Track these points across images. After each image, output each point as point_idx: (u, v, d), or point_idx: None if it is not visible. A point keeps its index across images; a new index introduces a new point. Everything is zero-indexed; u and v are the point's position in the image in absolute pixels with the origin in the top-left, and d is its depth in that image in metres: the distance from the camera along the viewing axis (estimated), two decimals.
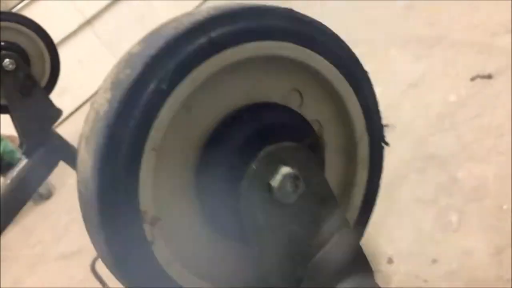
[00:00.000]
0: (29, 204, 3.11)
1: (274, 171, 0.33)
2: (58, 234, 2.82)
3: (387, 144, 0.43)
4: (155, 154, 0.31)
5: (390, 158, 1.81)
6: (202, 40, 0.33)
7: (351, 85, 0.40)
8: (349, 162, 0.42)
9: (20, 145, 0.86)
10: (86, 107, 4.03)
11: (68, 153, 0.93)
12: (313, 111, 0.39)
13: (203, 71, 0.33)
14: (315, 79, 0.39)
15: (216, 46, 0.33)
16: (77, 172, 0.34)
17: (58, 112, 0.88)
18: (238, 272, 0.35)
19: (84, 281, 2.22)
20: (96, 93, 0.38)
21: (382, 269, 1.51)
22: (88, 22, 4.63)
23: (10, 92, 0.79)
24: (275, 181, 0.32)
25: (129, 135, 0.31)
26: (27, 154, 0.84)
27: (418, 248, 1.51)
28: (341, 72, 0.39)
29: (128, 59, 0.34)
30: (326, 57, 0.38)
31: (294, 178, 0.34)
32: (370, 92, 0.42)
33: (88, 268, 2.27)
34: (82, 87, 4.33)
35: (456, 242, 1.48)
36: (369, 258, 1.05)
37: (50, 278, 2.37)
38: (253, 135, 0.33)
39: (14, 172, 0.85)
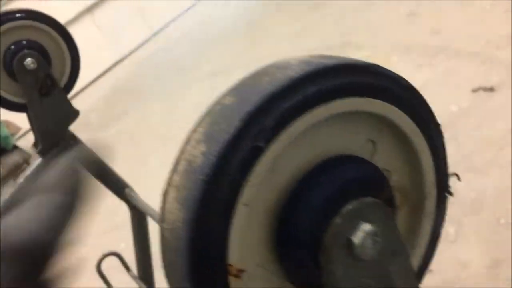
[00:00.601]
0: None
1: (355, 227, 0.33)
2: None
3: (452, 194, 0.44)
4: (245, 209, 0.31)
5: None
6: (298, 97, 0.33)
7: (424, 136, 0.40)
8: (415, 214, 0.42)
9: (35, 144, 0.86)
10: (82, 96, 4.00)
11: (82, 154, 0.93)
12: (385, 161, 0.39)
13: (295, 129, 0.33)
14: (390, 129, 0.39)
15: (310, 104, 0.33)
16: (162, 217, 0.34)
17: (75, 112, 0.88)
18: None
19: (79, 274, 2.21)
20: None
21: None
22: (88, 10, 4.60)
23: (30, 91, 0.79)
24: (357, 238, 0.33)
25: (225, 190, 0.31)
26: (42, 153, 0.84)
27: None
28: (416, 124, 0.40)
29: (221, 112, 0.34)
30: (404, 110, 0.39)
31: (374, 234, 0.34)
32: (441, 144, 0.42)
33: (83, 261, 2.27)
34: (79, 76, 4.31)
35: (453, 253, 1.50)
36: None
37: None
38: (336, 191, 0.34)
39: (28, 171, 0.85)
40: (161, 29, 4.65)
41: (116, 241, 2.27)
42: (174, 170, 0.35)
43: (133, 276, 1.01)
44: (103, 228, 2.41)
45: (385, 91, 0.38)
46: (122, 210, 2.01)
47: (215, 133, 0.33)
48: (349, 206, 0.34)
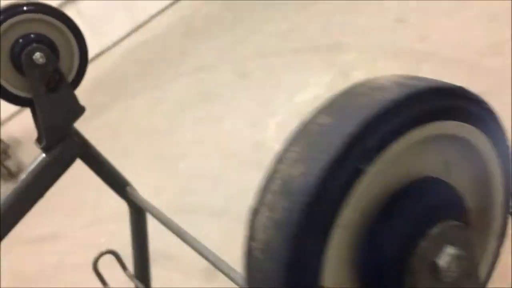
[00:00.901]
0: None
1: (441, 250, 0.33)
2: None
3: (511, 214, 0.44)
4: (341, 231, 0.31)
5: None
6: (399, 120, 0.33)
7: (498, 158, 0.40)
8: (483, 234, 0.42)
9: (39, 140, 0.84)
10: None
11: (86, 151, 0.91)
12: (458, 182, 0.39)
13: (391, 151, 0.33)
14: (465, 150, 0.39)
15: (407, 127, 0.33)
16: (251, 235, 0.33)
17: (81, 109, 0.86)
18: None
19: (57, 268, 2.18)
20: None
21: None
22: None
23: (37, 85, 0.77)
24: (443, 261, 0.32)
25: (325, 213, 0.30)
26: (45, 149, 0.82)
27: None
28: (492, 145, 0.40)
29: (319, 132, 0.33)
30: (485, 133, 0.39)
31: (458, 258, 0.34)
32: (510, 165, 0.42)
33: (62, 255, 2.24)
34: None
35: None
36: None
37: (21, 262, 2.32)
38: (424, 214, 0.34)
39: (30, 167, 0.83)
40: (146, 22, 4.60)
41: (98, 235, 2.24)
42: (266, 188, 0.33)
43: (129, 275, 0.99)
44: (84, 222, 2.38)
45: (472, 114, 0.38)
46: (106, 205, 1.98)
47: (314, 154, 0.32)
48: (435, 229, 0.34)
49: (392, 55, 2.47)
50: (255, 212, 0.34)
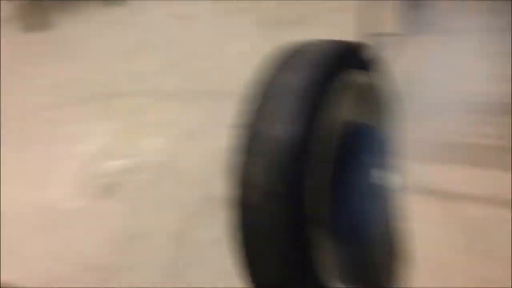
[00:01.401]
0: None
1: None
2: None
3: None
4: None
5: (180, 205, 1.89)
6: (333, 69, 0.38)
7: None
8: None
9: None
10: None
11: None
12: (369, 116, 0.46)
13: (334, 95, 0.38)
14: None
15: (340, 73, 0.38)
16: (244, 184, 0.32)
17: None
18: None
19: None
20: None
21: None
22: None
23: None
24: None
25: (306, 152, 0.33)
26: None
27: (224, 284, 1.61)
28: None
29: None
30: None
31: None
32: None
33: None
34: None
35: None
36: None
37: None
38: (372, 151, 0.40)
39: None
40: None
41: None
42: (252, 141, 0.35)
43: None
44: None
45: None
46: None
47: (283, 105, 0.35)
48: (377, 160, 0.41)
49: (174, 95, 2.58)
50: (244, 165, 0.36)
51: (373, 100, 0.44)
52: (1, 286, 1.61)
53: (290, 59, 0.38)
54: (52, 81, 3.09)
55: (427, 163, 1.76)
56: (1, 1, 3.77)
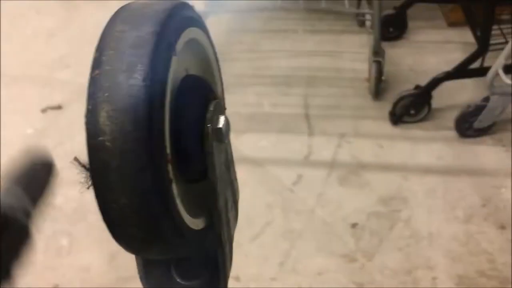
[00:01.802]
0: None
1: (218, 119, 0.41)
2: None
3: None
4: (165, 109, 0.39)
5: None
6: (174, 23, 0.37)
7: (211, 45, 0.49)
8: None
9: None
10: None
11: None
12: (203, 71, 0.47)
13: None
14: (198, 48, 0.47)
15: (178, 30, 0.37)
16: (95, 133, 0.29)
17: None
18: None
19: None
20: None
21: None
22: None
23: None
24: (222, 126, 0.41)
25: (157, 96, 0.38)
26: None
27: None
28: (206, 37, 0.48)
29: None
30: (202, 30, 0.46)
31: (227, 123, 0.42)
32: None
33: None
34: None
35: (72, 263, 1.57)
36: None
37: None
38: (205, 96, 0.41)
39: None
40: None
41: None
42: (97, 90, 0.33)
43: None
44: None
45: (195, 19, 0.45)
46: None
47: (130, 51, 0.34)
48: (211, 105, 0.42)
49: None
50: (92, 113, 0.35)
51: (203, 54, 0.48)
52: None
53: (132, 16, 0.39)
54: None
55: (238, 133, 1.87)
56: None
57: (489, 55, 1.79)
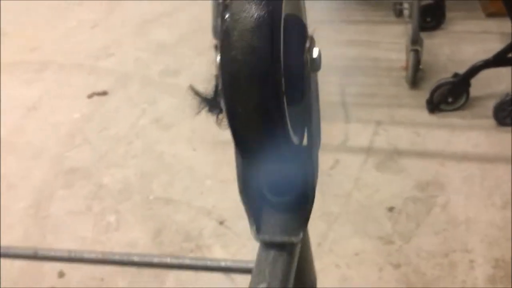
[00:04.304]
0: None
1: (312, 51, 0.51)
2: None
3: None
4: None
5: (32, 180, 1.80)
6: None
7: None
8: None
9: None
10: None
11: None
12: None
13: None
14: None
15: None
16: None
17: None
18: None
19: None
20: None
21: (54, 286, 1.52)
22: None
23: None
24: (316, 56, 0.50)
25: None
26: None
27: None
28: None
29: None
30: None
31: (320, 54, 0.53)
32: None
33: None
34: None
35: (119, 239, 1.64)
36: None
37: None
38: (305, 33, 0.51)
39: None
40: None
41: None
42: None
43: None
44: None
45: None
46: None
47: None
48: (307, 40, 0.48)
49: (7, 69, 2.39)
50: (226, 33, 0.41)
51: None
52: None
53: None
54: None
55: None
56: None
57: None
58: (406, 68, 2.09)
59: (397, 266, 1.54)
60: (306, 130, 0.51)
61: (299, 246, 0.54)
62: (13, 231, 1.67)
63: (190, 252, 1.58)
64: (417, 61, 2.00)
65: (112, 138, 1.98)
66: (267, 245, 0.51)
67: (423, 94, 1.98)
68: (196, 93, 0.46)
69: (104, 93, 2.19)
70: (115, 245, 1.62)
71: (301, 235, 0.52)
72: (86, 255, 0.82)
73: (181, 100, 2.10)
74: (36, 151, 1.96)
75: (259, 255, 0.51)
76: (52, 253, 0.84)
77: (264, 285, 0.47)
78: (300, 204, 0.53)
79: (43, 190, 1.81)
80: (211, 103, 0.45)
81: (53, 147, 1.97)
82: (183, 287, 1.49)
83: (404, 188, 1.73)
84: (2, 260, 1.23)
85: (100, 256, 0.81)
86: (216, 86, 0.45)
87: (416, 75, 2.04)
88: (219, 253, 1.57)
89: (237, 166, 0.51)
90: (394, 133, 1.93)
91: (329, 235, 1.63)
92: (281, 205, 0.52)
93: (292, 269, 0.51)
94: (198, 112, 0.46)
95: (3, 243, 0.99)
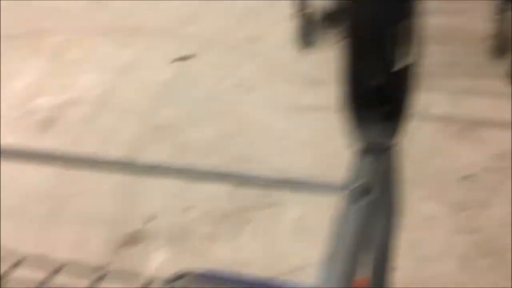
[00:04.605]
0: None
1: None
2: None
3: None
4: None
5: (123, 136, 1.96)
6: None
7: None
8: None
9: None
10: None
11: None
12: None
13: None
14: None
15: None
16: None
17: None
18: None
19: None
20: None
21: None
22: None
23: None
24: None
25: None
26: None
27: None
28: None
29: None
30: None
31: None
32: None
33: None
34: None
35: (201, 191, 1.77)
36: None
37: None
38: None
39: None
40: None
41: None
42: None
43: None
44: None
45: None
46: None
47: None
48: None
49: (104, 33, 2.56)
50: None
51: None
52: None
53: None
54: None
55: None
56: None
57: None
58: (488, 38, 2.05)
59: (469, 232, 1.56)
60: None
61: (393, 151, 0.62)
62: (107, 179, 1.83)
63: (267, 206, 1.68)
64: (502, 31, 1.96)
65: (196, 99, 2.11)
66: (365, 150, 0.60)
67: (506, 65, 1.94)
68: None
69: (189, 57, 2.31)
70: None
71: (395, 139, 0.61)
72: None
73: (263, 65, 2.19)
74: (126, 109, 2.12)
75: (355, 160, 0.59)
76: None
77: (361, 182, 0.55)
78: (395, 113, 0.61)
79: (132, 145, 1.96)
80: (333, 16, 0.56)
81: (142, 106, 2.13)
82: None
83: (481, 158, 1.73)
84: None
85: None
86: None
87: (499, 45, 1.99)
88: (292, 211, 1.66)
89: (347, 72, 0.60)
90: (473, 102, 1.91)
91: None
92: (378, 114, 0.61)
93: (389, 170, 0.61)
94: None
95: None
